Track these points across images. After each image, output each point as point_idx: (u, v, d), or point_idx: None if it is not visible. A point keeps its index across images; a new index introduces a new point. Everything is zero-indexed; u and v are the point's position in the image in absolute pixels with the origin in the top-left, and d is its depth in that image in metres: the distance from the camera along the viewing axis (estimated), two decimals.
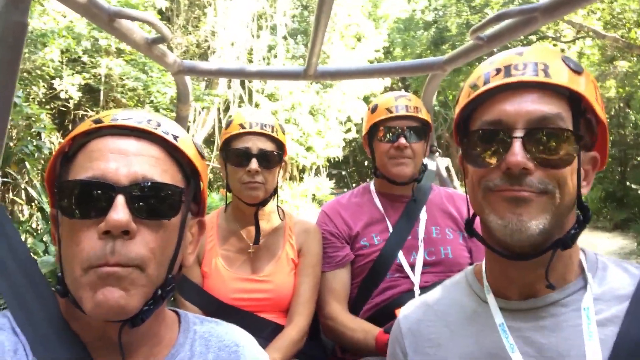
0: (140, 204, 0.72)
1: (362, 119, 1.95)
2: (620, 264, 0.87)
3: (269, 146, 1.62)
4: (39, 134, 5.91)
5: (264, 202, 1.67)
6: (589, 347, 0.76)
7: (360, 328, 1.61)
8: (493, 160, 0.80)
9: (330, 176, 15.11)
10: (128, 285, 0.69)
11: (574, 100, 0.80)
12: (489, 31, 1.58)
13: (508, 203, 0.78)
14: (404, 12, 16.52)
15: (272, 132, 1.63)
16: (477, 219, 0.89)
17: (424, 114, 1.76)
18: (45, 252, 3.57)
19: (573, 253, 0.85)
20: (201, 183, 0.85)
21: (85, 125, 0.78)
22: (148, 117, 0.80)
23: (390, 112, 1.73)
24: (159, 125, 0.79)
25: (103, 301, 0.68)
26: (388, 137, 1.73)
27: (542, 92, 0.79)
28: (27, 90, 6.85)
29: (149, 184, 0.73)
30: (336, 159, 14.96)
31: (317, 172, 15.12)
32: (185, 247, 0.82)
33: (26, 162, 4.99)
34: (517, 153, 0.76)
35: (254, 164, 1.58)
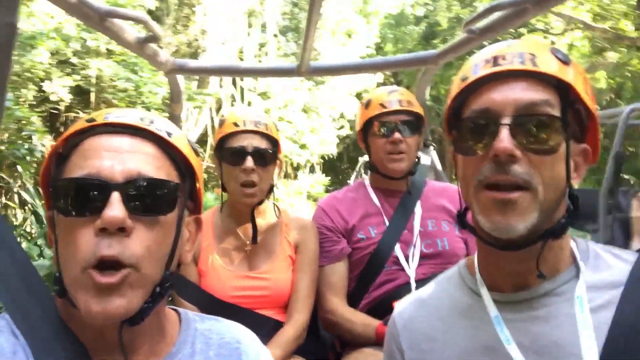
0: (136, 200, 0.71)
1: (356, 115, 1.96)
2: (612, 252, 0.87)
3: (263, 144, 1.62)
4: (30, 137, 5.86)
5: (259, 202, 1.67)
6: (584, 335, 0.76)
7: (360, 321, 1.62)
8: (481, 149, 0.80)
9: (325, 172, 15.08)
10: (125, 290, 0.69)
11: (562, 89, 0.80)
12: (481, 24, 1.59)
13: (496, 207, 0.78)
14: (394, 7, 16.51)
15: (266, 129, 1.63)
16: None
17: (416, 108, 1.77)
18: (40, 255, 3.54)
19: (564, 243, 0.85)
20: (196, 181, 0.85)
21: (79, 125, 0.78)
22: (141, 115, 0.80)
23: (384, 107, 1.73)
24: (152, 122, 0.79)
25: (101, 312, 0.68)
26: (382, 132, 1.73)
27: (530, 81, 0.79)
28: (17, 93, 6.78)
29: (145, 180, 0.73)
30: (330, 156, 14.94)
31: (312, 170, 15.10)
32: (182, 244, 0.82)
33: (18, 166, 4.95)
34: (504, 139, 0.76)
35: (249, 162, 1.58)
